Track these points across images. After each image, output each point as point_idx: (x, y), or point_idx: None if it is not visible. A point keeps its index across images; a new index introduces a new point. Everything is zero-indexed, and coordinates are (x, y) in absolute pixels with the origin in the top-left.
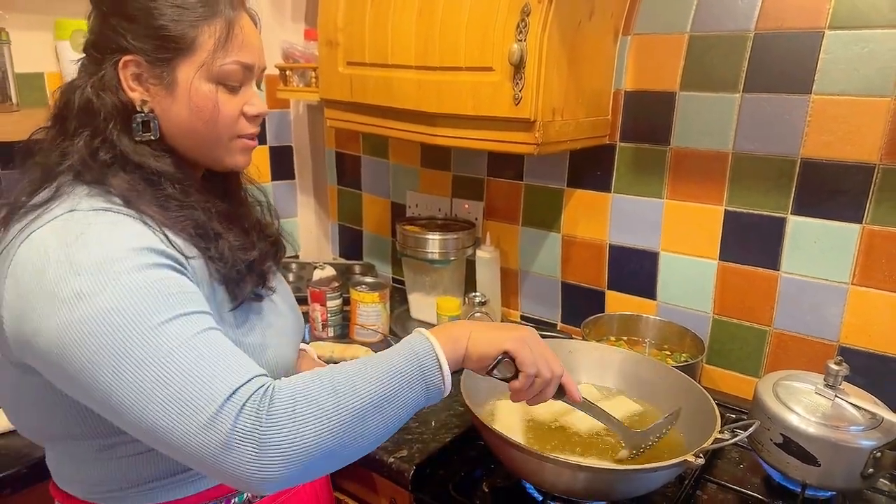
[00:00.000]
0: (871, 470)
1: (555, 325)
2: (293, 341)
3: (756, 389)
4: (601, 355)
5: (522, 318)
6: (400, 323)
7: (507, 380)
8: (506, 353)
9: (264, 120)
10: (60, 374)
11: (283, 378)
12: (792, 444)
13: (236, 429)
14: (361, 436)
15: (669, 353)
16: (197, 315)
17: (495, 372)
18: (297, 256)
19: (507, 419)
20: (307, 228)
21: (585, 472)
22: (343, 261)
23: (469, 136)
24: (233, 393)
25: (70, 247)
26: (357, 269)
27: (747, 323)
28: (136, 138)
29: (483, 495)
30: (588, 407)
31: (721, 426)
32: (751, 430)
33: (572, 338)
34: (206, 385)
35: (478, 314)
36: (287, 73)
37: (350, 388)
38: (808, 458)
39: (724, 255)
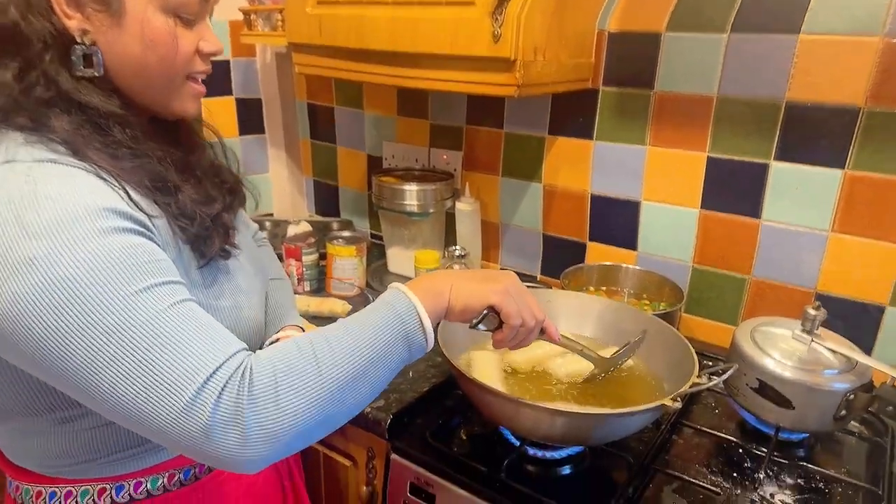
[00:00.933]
0: (843, 412)
1: (535, 278)
2: (261, 301)
3: (734, 335)
4: (580, 304)
5: (503, 269)
6: (378, 277)
7: (490, 331)
8: (490, 307)
9: (229, 70)
10: (12, 349)
11: (260, 352)
12: (768, 389)
13: (217, 414)
14: (347, 403)
15: (648, 303)
16: (169, 285)
17: (479, 325)
18: (271, 214)
19: (485, 368)
20: (280, 185)
21: (563, 418)
22: (320, 218)
23: (446, 77)
24: (211, 375)
25: (15, 204)
26: (335, 225)
27: (726, 272)
28: (77, 74)
29: (461, 442)
30: (564, 342)
31: (699, 371)
32: (729, 373)
33: (551, 288)
34: (183, 365)
35: (456, 266)
36: (251, 16)
37: (332, 358)
38: (782, 401)
39: (706, 203)
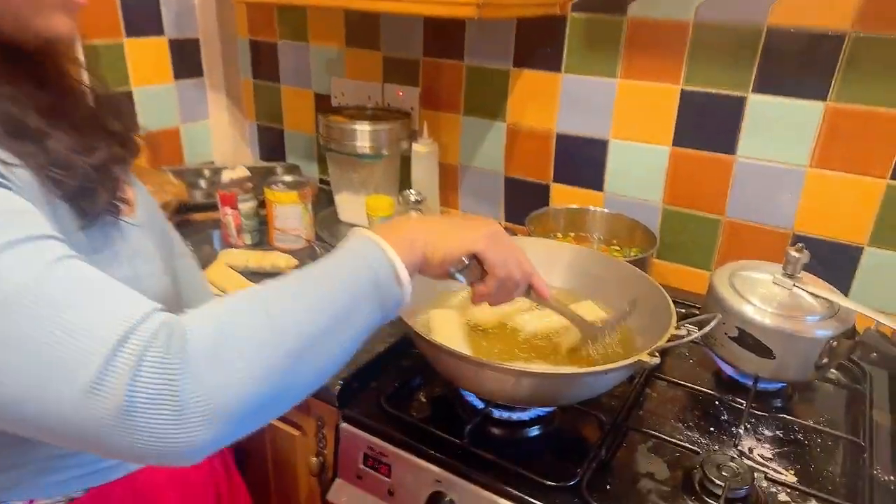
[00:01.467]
0: (825, 360)
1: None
2: (167, 267)
3: (711, 281)
4: (548, 252)
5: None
6: (327, 227)
7: (470, 284)
8: (473, 255)
9: (158, 6)
10: None
11: (193, 310)
12: (747, 337)
13: (138, 389)
14: (305, 371)
15: (619, 248)
16: (43, 241)
17: (459, 276)
18: (211, 163)
19: (447, 327)
20: (221, 131)
21: (531, 379)
22: (265, 164)
23: None
24: (123, 341)
25: None
26: (278, 170)
27: (699, 213)
28: None
29: (420, 406)
30: (555, 306)
31: (676, 322)
32: (712, 324)
33: (516, 235)
34: (79, 334)
35: (414, 214)
36: None
37: (287, 314)
38: (763, 350)
39: (678, 139)
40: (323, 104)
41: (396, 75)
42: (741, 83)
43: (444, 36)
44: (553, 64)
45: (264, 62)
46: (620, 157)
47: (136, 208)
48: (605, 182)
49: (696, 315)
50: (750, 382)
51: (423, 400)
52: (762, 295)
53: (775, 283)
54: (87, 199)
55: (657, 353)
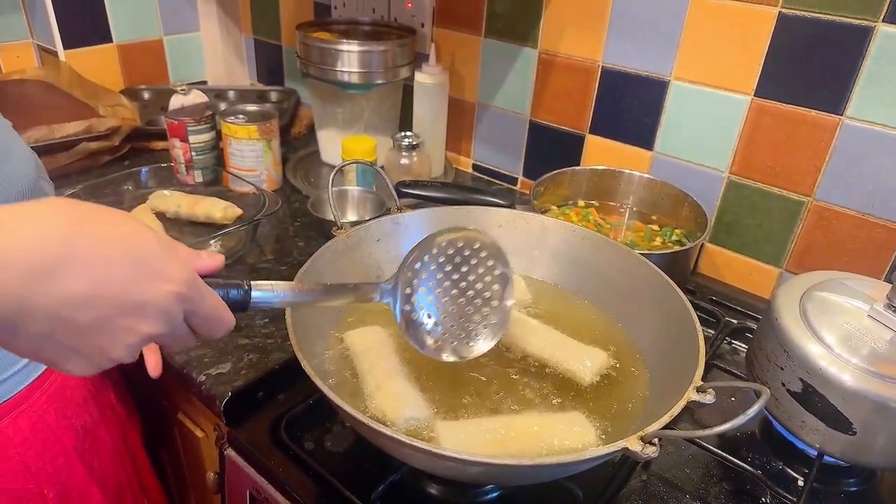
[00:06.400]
0: None
1: (515, 180)
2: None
3: (773, 299)
4: (542, 230)
5: (474, 167)
6: (302, 170)
7: None
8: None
9: None
10: None
11: None
12: (815, 397)
13: None
14: None
15: (658, 229)
16: None
17: None
18: (204, 82)
19: (380, 366)
20: (212, 46)
21: (477, 468)
22: (261, 87)
23: None
24: None
25: None
26: (273, 96)
27: (777, 190)
28: None
29: (333, 438)
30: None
31: (703, 376)
32: (754, 410)
33: (515, 206)
34: None
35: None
36: None
37: None
38: (837, 419)
39: (763, 88)
40: (323, 14)
41: None
42: (869, 7)
43: None
44: None
45: None
46: (682, 105)
47: None
48: (656, 138)
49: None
50: (813, 453)
51: (338, 430)
52: (846, 333)
53: (871, 318)
54: None
55: (655, 442)
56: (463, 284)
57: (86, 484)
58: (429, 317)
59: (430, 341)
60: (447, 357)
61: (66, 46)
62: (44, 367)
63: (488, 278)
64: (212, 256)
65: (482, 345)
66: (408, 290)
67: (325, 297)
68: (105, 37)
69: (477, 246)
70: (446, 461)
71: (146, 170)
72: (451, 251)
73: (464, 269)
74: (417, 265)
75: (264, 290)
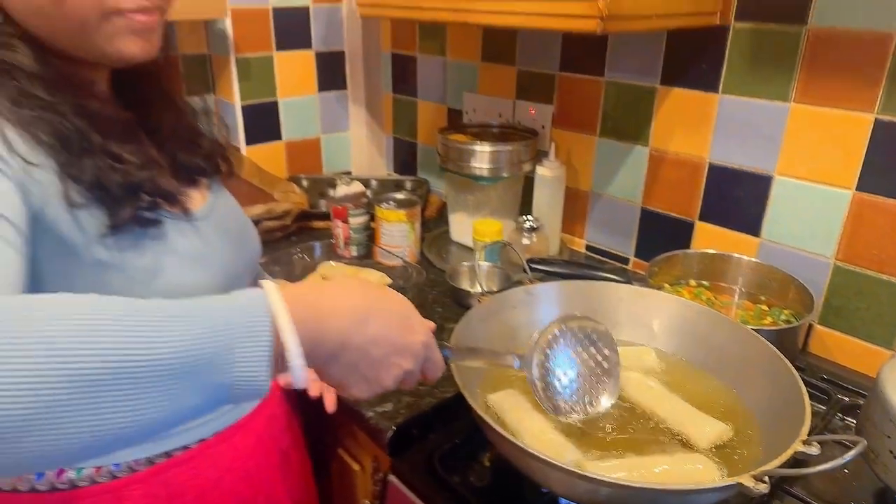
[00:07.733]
0: None
1: (627, 261)
2: (220, 270)
3: (879, 372)
4: (659, 304)
5: (587, 247)
6: (436, 247)
7: None
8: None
9: (308, 19)
10: None
11: None
12: None
13: None
14: (54, 424)
15: (767, 308)
16: None
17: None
18: (349, 172)
19: (525, 416)
20: (359, 143)
21: (607, 488)
22: (397, 177)
23: (513, 9)
24: None
25: None
26: (408, 184)
27: (885, 276)
28: None
29: (479, 473)
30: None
31: (810, 432)
32: (851, 455)
33: (632, 282)
34: None
35: (525, 241)
36: None
37: (61, 326)
38: None
39: (864, 183)
40: (455, 120)
41: (530, 92)
42: None
43: (584, 50)
44: (709, 82)
45: (404, 76)
46: (786, 198)
47: (202, 210)
48: (762, 226)
49: (853, 419)
50: None
51: (487, 464)
52: None
53: None
54: (111, 208)
55: (765, 479)
56: (587, 359)
57: (282, 495)
58: (561, 385)
59: (561, 404)
60: (574, 417)
61: (247, 143)
62: None
63: (605, 353)
64: (430, 322)
65: (604, 402)
66: (545, 362)
67: (473, 357)
68: (276, 135)
69: (601, 330)
70: (601, 485)
71: (318, 245)
72: (580, 335)
73: (591, 348)
74: (552, 345)
75: (445, 348)
